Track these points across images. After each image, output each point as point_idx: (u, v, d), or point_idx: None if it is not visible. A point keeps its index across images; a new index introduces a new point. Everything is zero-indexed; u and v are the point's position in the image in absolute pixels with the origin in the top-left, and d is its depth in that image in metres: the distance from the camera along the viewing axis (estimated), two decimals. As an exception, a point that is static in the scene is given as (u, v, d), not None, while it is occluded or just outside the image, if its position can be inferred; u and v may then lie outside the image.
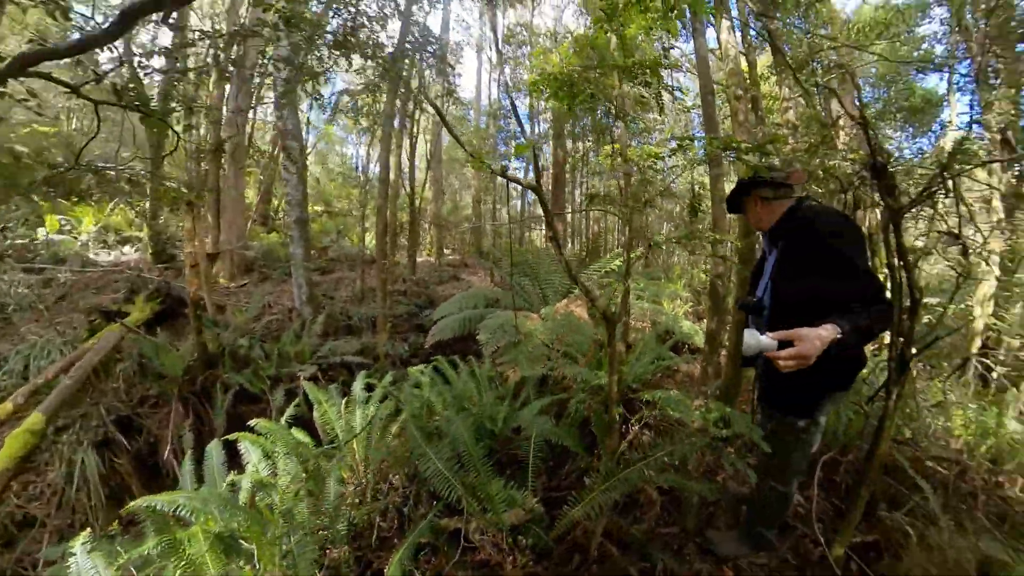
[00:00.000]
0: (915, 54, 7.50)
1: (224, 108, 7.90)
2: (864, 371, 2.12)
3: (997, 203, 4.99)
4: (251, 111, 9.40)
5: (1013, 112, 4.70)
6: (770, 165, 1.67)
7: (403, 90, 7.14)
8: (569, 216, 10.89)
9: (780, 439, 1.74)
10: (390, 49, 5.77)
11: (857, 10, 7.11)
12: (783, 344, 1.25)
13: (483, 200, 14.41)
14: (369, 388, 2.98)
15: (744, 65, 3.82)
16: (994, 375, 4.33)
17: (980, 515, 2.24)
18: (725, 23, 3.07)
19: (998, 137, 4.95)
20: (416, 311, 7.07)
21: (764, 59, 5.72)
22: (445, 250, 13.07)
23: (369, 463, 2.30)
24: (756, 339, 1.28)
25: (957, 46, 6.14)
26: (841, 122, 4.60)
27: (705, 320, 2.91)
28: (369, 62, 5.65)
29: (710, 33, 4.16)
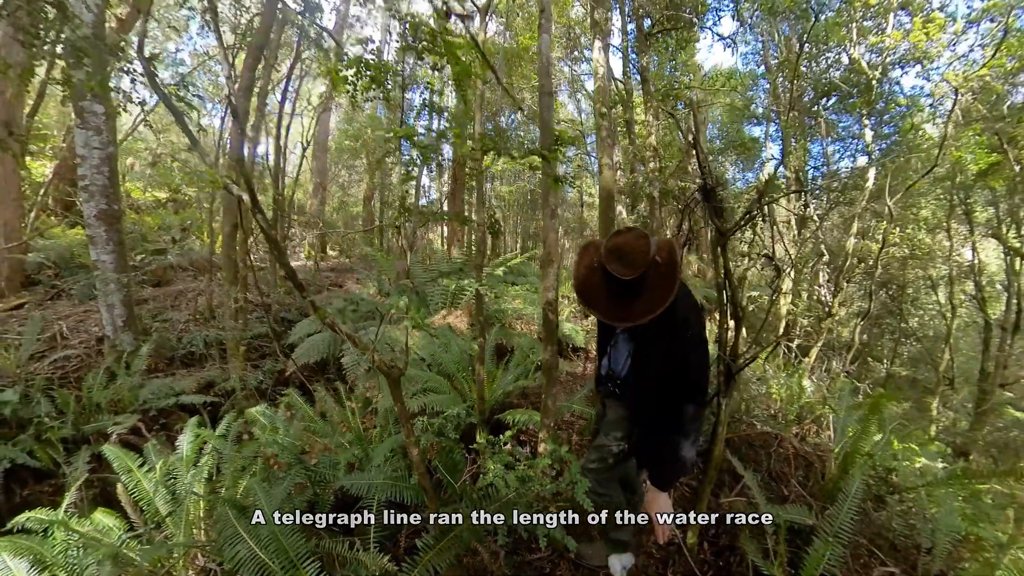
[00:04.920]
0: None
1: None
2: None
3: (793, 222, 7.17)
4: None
5: (803, 157, 6.45)
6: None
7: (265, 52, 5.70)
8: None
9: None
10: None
11: (712, 69, 9.64)
12: None
13: (374, 197, 13.18)
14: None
15: (613, 87, 4.18)
16: (793, 344, 5.70)
17: (793, 480, 2.68)
18: (598, 43, 3.17)
19: (793, 175, 6.90)
20: (285, 328, 6.17)
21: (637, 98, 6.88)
22: (330, 252, 11.70)
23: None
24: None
25: (772, 108, 8.68)
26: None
27: (541, 350, 2.93)
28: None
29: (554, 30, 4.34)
